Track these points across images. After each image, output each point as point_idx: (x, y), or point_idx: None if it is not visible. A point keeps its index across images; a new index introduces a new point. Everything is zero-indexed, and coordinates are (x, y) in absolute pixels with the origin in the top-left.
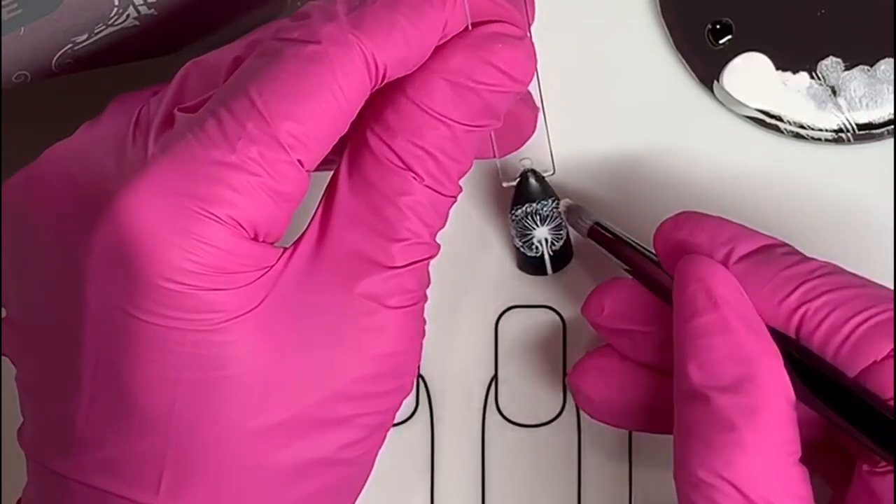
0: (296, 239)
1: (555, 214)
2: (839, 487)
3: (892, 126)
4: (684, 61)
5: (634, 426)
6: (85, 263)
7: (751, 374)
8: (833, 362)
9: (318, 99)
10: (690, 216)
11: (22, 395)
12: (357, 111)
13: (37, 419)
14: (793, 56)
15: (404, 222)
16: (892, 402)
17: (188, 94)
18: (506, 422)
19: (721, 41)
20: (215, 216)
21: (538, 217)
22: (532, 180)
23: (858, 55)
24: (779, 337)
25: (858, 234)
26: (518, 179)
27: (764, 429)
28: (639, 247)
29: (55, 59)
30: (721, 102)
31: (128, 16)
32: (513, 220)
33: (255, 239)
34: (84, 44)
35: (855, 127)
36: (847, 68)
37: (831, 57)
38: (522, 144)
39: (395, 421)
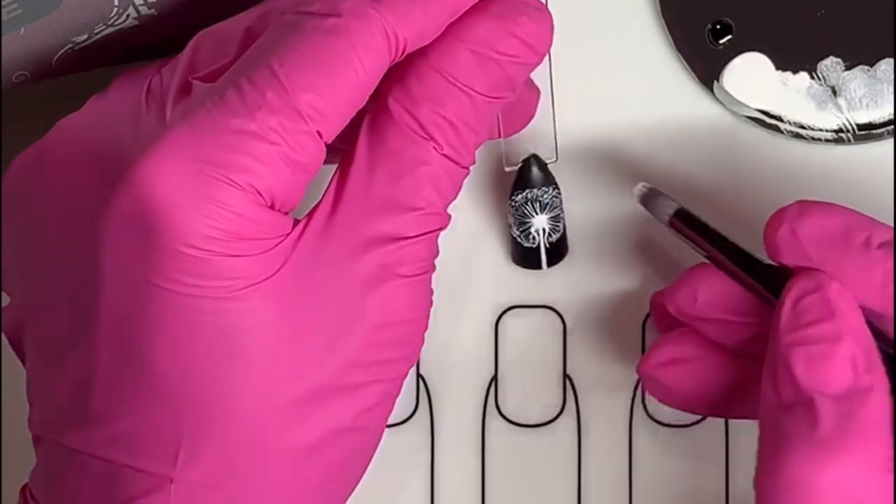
0: (311, 208)
1: (555, 203)
2: None
3: (892, 126)
4: (684, 61)
5: (713, 411)
6: (102, 233)
7: (863, 387)
8: None
9: (338, 71)
10: (816, 203)
11: (30, 374)
12: (376, 85)
13: (47, 393)
14: (793, 56)
15: (421, 192)
16: None
17: (201, 64)
18: (506, 422)
19: (721, 41)
20: (235, 183)
21: (538, 204)
22: (534, 166)
23: (858, 55)
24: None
25: None
26: (521, 164)
27: (871, 438)
28: (728, 238)
29: (55, 59)
30: (721, 102)
31: (128, 16)
32: (512, 207)
33: (272, 207)
34: (84, 44)
35: (855, 127)
36: (847, 68)
37: (831, 57)
38: (524, 126)
39: (396, 421)
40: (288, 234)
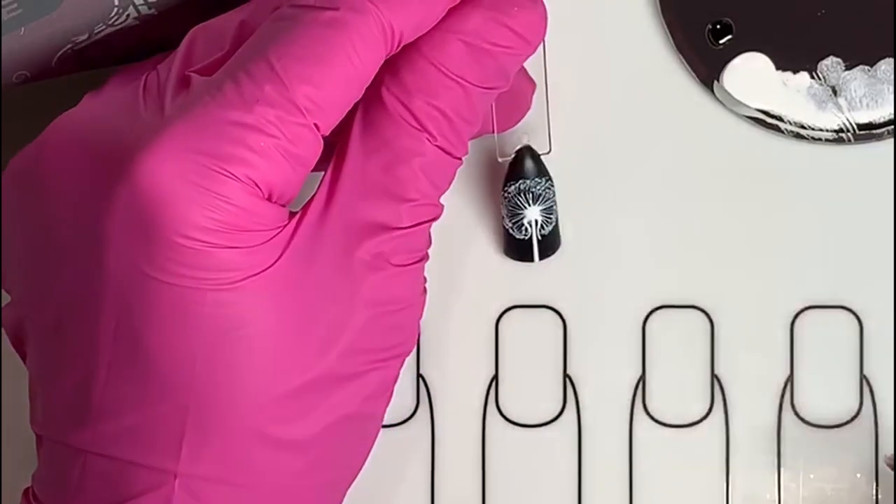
0: (307, 200)
1: (548, 195)
2: None
3: (893, 126)
4: (684, 61)
5: None
6: (103, 228)
7: None
8: None
9: (335, 64)
10: None
11: (31, 373)
12: (371, 77)
13: (49, 392)
14: (793, 56)
15: (415, 183)
16: None
17: (196, 58)
18: (506, 422)
19: (721, 41)
20: (233, 175)
21: (531, 195)
22: (528, 157)
23: (858, 55)
24: None
25: (859, 234)
26: (514, 155)
27: None
28: None
29: (55, 59)
30: (721, 102)
31: (128, 16)
32: (504, 198)
33: (270, 199)
34: (84, 44)
35: (855, 127)
36: (847, 68)
37: (831, 57)
38: (520, 120)
39: (396, 421)
40: (285, 226)
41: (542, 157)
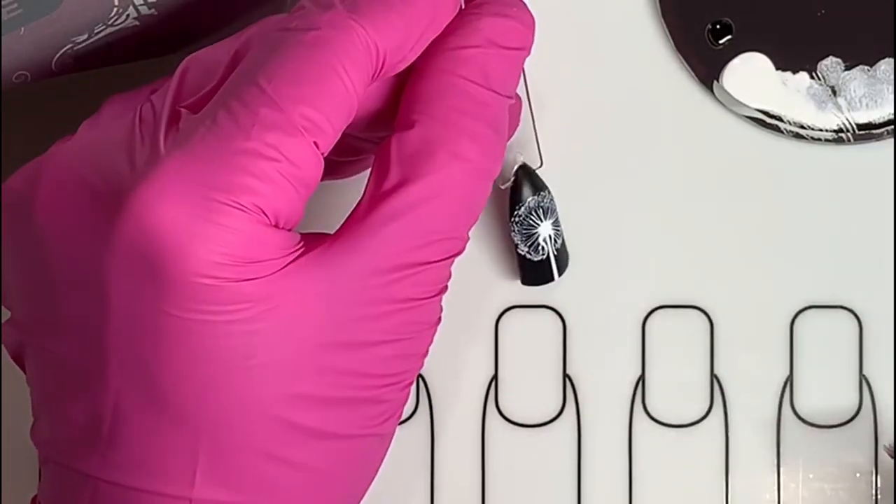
0: (339, 228)
1: (553, 206)
2: None
3: (892, 126)
4: (684, 61)
5: None
6: (105, 264)
7: None
8: None
9: (326, 81)
10: None
11: (34, 393)
12: (361, 95)
13: (55, 419)
14: (793, 56)
15: (457, 219)
16: None
17: (189, 90)
18: (506, 422)
19: (721, 41)
20: (240, 205)
21: (541, 210)
22: (526, 175)
23: (858, 55)
24: None
25: (859, 234)
26: (514, 177)
27: None
28: None
29: (55, 59)
30: (721, 102)
31: (128, 16)
32: (515, 222)
33: (277, 226)
34: (84, 44)
35: (855, 127)
36: (847, 68)
37: (831, 57)
38: (512, 135)
39: None
40: (303, 253)
41: (538, 171)
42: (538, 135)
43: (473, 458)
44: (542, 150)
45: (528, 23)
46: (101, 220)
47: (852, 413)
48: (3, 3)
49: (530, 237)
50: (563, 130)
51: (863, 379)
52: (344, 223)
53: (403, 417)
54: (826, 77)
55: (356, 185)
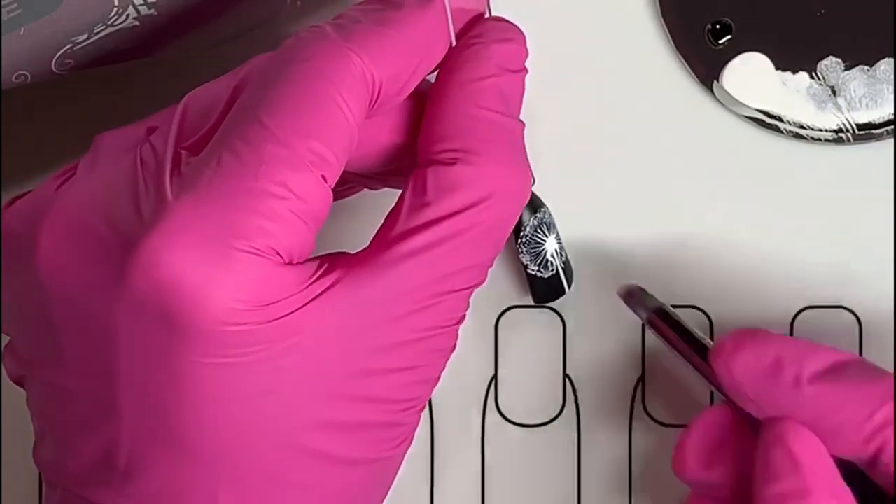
0: (363, 251)
1: (552, 219)
2: None
3: (892, 126)
4: (684, 61)
5: None
6: (114, 310)
7: None
8: None
9: (326, 113)
10: (750, 335)
11: (37, 419)
12: (361, 122)
13: (63, 448)
14: (793, 56)
15: (485, 252)
16: None
17: (189, 129)
18: (506, 422)
19: (721, 41)
20: (254, 249)
21: (544, 227)
22: None
23: (858, 55)
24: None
25: (858, 235)
26: None
27: None
28: (703, 340)
29: (55, 59)
30: (721, 102)
31: (128, 16)
32: (522, 243)
33: (291, 263)
34: (84, 44)
35: (855, 127)
36: (847, 68)
37: (831, 57)
38: None
39: None
40: (322, 281)
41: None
42: (528, 152)
43: (473, 458)
44: (532, 166)
45: (525, 43)
46: (109, 267)
47: None
48: (3, 3)
49: (538, 255)
50: (563, 131)
51: None
52: (369, 249)
53: None
54: (826, 77)
55: (360, 201)
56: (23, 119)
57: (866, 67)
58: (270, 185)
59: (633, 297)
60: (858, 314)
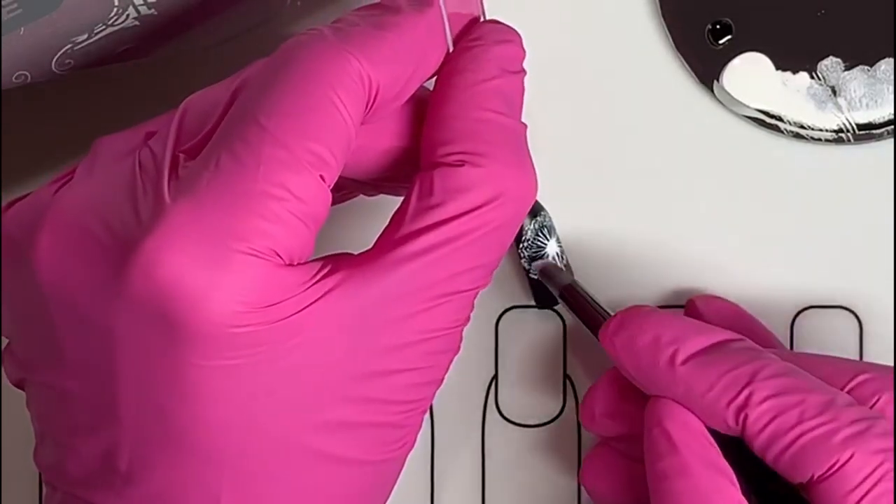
0: (367, 252)
1: (552, 222)
2: None
3: (892, 126)
4: (684, 61)
5: None
6: (113, 313)
7: None
8: (775, 469)
9: (324, 114)
10: (634, 315)
11: (37, 421)
12: (358, 124)
13: (63, 450)
14: (793, 56)
15: (493, 253)
16: None
17: (188, 133)
18: (506, 422)
19: (721, 41)
20: (253, 250)
21: (545, 230)
22: None
23: (858, 55)
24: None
25: (858, 234)
26: None
27: None
28: (603, 316)
29: (55, 59)
30: (721, 102)
31: (128, 16)
32: (524, 247)
33: (291, 264)
34: (84, 44)
35: (855, 127)
36: (847, 68)
37: (831, 57)
38: None
39: None
40: (325, 281)
41: None
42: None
43: (473, 458)
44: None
45: (522, 43)
46: (108, 270)
47: None
48: (3, 3)
49: (540, 260)
50: (563, 131)
51: None
52: (373, 250)
53: None
54: (826, 77)
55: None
56: (23, 119)
57: (866, 67)
58: (269, 187)
59: (547, 274)
60: (858, 314)
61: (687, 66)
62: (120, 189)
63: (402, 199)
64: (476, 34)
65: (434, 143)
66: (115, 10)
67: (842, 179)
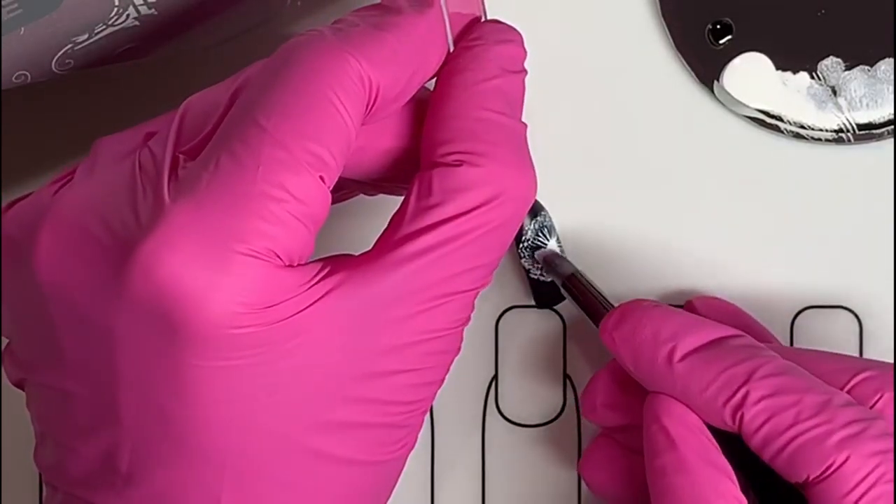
0: (367, 253)
1: (552, 221)
2: None
3: (892, 126)
4: (684, 61)
5: None
6: (113, 314)
7: None
8: (773, 468)
9: (323, 115)
10: (634, 309)
11: (37, 421)
12: (358, 125)
13: (63, 450)
14: (793, 56)
15: (493, 253)
16: None
17: (188, 133)
18: (506, 422)
19: (721, 41)
20: (253, 251)
21: (545, 230)
22: None
23: (858, 55)
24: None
25: (858, 234)
26: None
27: None
28: (606, 306)
29: (55, 59)
30: (721, 102)
31: (128, 16)
32: (524, 247)
33: (291, 265)
34: (84, 44)
35: (855, 127)
36: (847, 68)
37: (831, 57)
38: None
39: None
40: (325, 282)
41: None
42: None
43: (473, 458)
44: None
45: (523, 43)
46: (107, 270)
47: None
48: (3, 3)
49: (542, 249)
50: (563, 131)
51: None
52: (373, 251)
53: None
54: (826, 77)
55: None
56: (23, 119)
57: (866, 67)
58: (268, 188)
59: (550, 263)
60: (858, 314)
61: (687, 66)
62: (120, 189)
63: (402, 199)
64: (477, 34)
65: (434, 143)
66: (116, 10)
67: (842, 179)
